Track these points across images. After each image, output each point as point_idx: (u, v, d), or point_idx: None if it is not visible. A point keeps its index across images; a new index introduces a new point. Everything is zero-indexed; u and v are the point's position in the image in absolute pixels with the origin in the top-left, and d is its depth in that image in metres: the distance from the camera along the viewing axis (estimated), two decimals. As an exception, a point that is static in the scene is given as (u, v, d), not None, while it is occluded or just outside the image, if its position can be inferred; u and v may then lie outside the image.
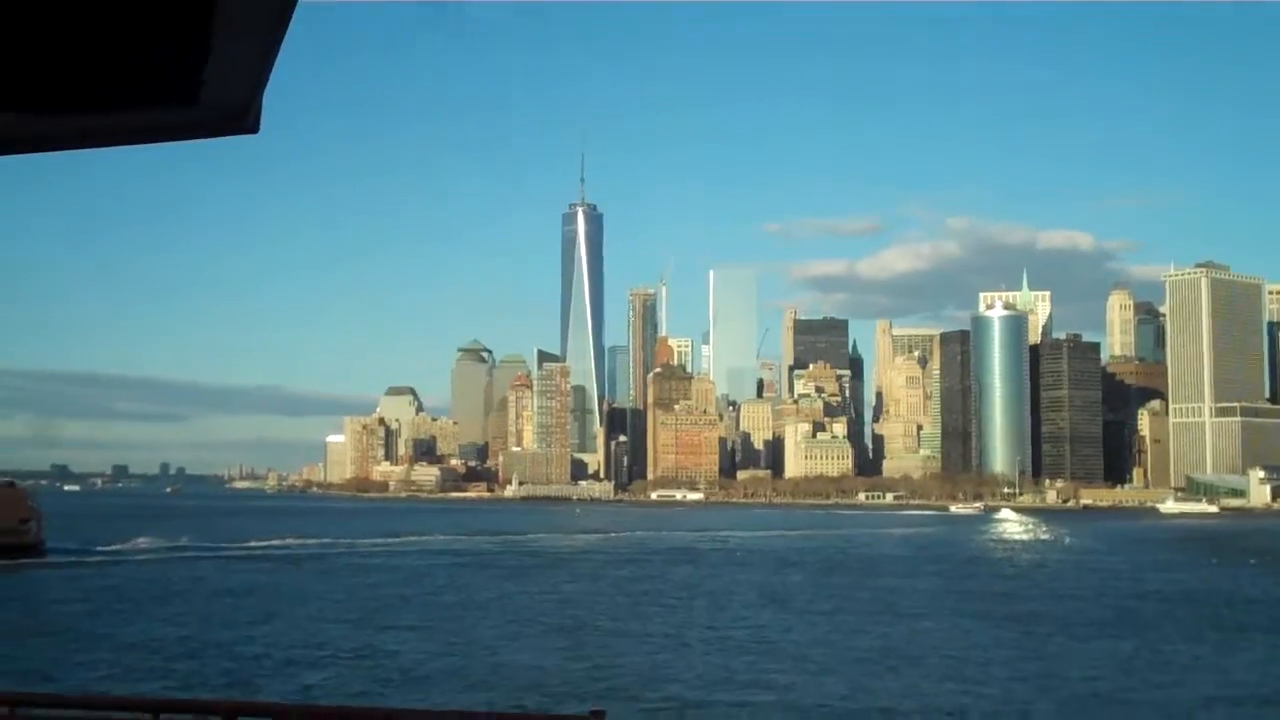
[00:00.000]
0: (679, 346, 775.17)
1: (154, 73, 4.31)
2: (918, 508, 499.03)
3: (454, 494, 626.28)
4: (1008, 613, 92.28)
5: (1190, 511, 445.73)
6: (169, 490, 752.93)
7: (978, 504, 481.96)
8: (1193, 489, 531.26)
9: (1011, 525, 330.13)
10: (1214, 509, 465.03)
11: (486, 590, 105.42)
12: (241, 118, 4.50)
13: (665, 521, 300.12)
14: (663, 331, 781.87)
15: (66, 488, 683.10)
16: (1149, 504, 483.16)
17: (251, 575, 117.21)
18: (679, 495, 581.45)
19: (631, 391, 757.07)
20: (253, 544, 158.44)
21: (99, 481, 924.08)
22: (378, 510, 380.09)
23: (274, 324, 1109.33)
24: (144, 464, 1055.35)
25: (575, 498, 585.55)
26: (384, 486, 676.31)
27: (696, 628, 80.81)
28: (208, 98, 4.34)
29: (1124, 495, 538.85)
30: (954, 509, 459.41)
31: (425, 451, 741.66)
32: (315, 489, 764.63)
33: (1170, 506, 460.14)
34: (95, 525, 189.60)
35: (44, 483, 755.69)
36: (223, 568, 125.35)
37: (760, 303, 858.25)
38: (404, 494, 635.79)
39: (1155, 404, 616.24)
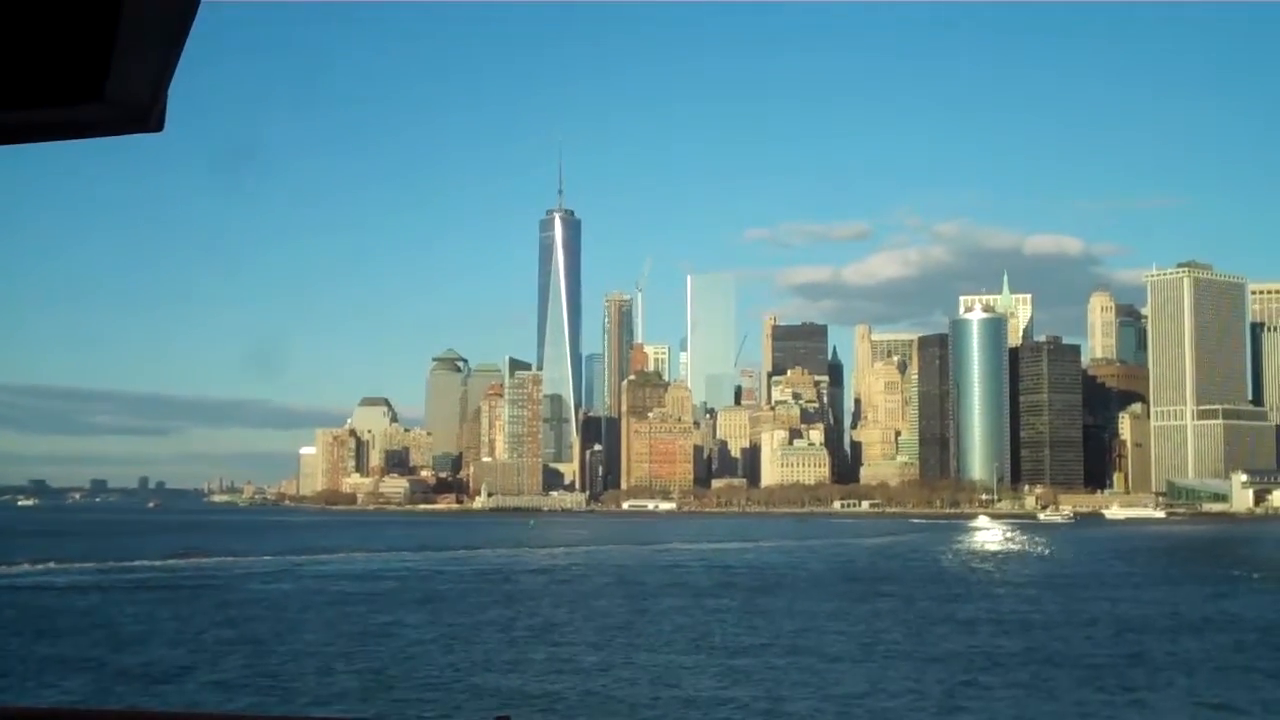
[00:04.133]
0: (656, 354, 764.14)
1: (56, 68, 4.19)
2: (894, 515, 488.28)
3: (422, 506, 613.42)
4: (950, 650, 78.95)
5: (1135, 517, 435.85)
6: (150, 505, 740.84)
7: (1066, 510, 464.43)
8: (1174, 494, 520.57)
9: (986, 534, 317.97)
10: (1160, 514, 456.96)
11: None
12: (145, 116, 4.41)
13: (621, 534, 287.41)
14: (639, 338, 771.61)
15: (21, 503, 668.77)
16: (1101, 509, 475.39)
17: None
18: (651, 505, 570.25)
19: (607, 400, 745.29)
20: None
21: (76, 496, 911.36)
22: (289, 525, 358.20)
23: (253, 337, 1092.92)
24: (125, 478, 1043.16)
25: (546, 509, 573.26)
26: (353, 499, 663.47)
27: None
28: (111, 95, 4.20)
29: (1104, 501, 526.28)
30: (1042, 517, 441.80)
31: (398, 463, 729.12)
32: (288, 502, 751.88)
33: (1115, 512, 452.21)
34: None
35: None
36: None
37: (741, 309, 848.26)
38: (371, 506, 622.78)
39: (1136, 407, 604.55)
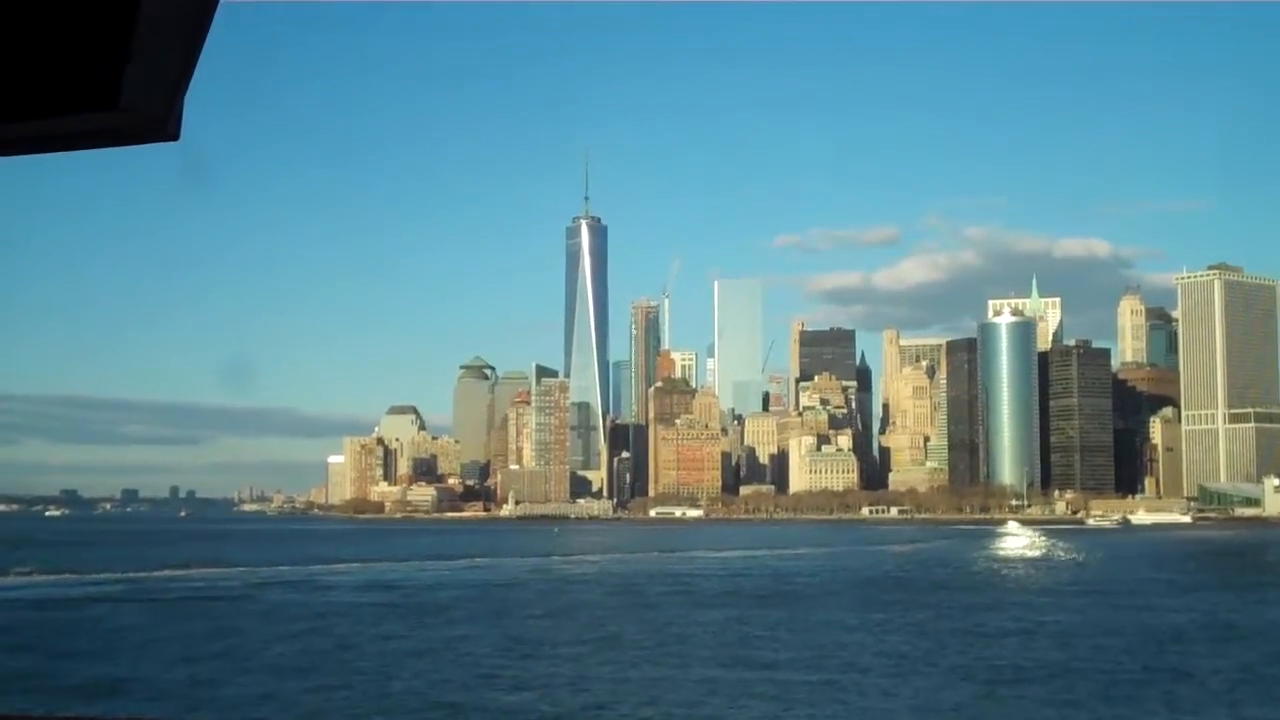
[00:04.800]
0: (683, 360, 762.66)
1: (71, 77, 4.15)
2: (923, 521, 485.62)
3: (450, 514, 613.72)
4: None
5: (1162, 522, 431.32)
6: (181, 514, 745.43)
7: (1114, 516, 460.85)
8: (1206, 498, 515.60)
9: (1015, 540, 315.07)
10: (1187, 519, 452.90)
11: None
12: (162, 125, 4.37)
13: (646, 542, 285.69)
14: (666, 345, 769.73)
15: (49, 513, 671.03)
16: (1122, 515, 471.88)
17: None
18: (678, 512, 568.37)
19: (634, 407, 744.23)
20: None
21: (107, 506, 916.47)
22: (315, 534, 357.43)
23: (282, 345, 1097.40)
24: (156, 488, 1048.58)
25: (573, 516, 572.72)
26: (381, 507, 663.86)
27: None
28: (127, 103, 4.19)
29: (1132, 506, 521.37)
30: (1090, 522, 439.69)
31: (425, 471, 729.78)
32: (317, 511, 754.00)
33: (1141, 517, 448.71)
34: None
35: (15, 507, 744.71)
36: None
37: (769, 315, 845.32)
38: (399, 515, 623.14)
39: (1167, 411, 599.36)
